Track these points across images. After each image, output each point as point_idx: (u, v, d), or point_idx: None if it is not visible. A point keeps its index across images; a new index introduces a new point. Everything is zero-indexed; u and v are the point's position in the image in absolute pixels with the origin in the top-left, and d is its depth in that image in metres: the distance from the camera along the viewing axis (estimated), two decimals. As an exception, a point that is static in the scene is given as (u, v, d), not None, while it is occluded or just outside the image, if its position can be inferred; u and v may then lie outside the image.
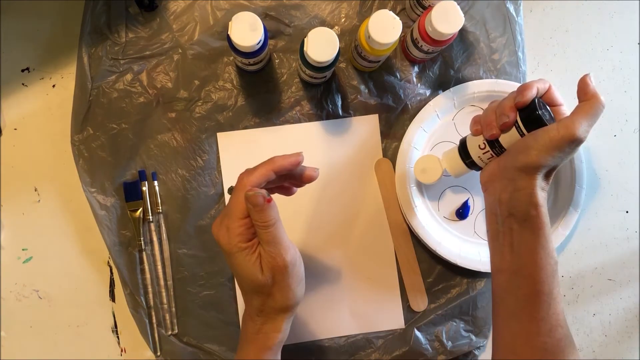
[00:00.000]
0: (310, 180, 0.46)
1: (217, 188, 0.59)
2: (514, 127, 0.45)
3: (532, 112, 0.44)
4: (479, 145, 0.49)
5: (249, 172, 0.43)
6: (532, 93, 0.45)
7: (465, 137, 0.52)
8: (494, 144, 0.47)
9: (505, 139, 0.46)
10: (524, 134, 0.45)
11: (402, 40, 0.60)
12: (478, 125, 0.49)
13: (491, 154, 0.48)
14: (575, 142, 0.42)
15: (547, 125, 0.43)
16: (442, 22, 0.51)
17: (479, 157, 0.49)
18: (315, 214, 0.60)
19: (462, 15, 0.51)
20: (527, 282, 0.44)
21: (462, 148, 0.51)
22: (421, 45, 0.55)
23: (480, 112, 0.61)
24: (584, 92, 0.44)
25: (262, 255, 0.42)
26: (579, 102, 0.44)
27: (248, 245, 0.42)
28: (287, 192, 0.49)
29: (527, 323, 0.43)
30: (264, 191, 0.41)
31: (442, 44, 0.54)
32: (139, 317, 0.58)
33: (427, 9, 0.56)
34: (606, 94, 0.64)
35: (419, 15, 0.58)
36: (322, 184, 0.60)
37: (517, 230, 0.44)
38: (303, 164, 0.45)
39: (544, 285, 0.43)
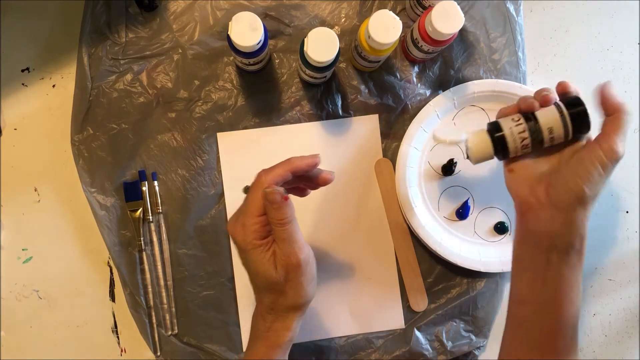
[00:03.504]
0: (325, 183, 0.47)
1: (217, 188, 0.59)
2: (553, 105, 0.43)
3: (577, 100, 0.43)
4: (512, 118, 0.44)
5: (266, 171, 0.44)
6: (573, 88, 0.44)
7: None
8: (530, 117, 0.43)
9: (542, 115, 0.43)
10: (564, 116, 0.43)
11: (402, 40, 0.60)
12: (512, 108, 0.46)
13: (524, 129, 0.43)
14: (618, 161, 0.41)
15: (589, 120, 0.42)
16: (442, 22, 0.51)
17: (510, 129, 0.44)
18: (315, 214, 0.60)
19: (462, 15, 0.51)
20: (555, 317, 0.42)
21: (492, 123, 0.46)
22: (421, 45, 0.55)
23: (481, 112, 0.61)
24: (610, 105, 0.43)
25: (277, 253, 0.43)
26: (606, 114, 0.43)
27: (263, 242, 0.43)
28: (301, 193, 0.49)
29: (550, 355, 0.42)
30: (281, 189, 0.42)
31: (442, 44, 0.54)
32: (139, 317, 0.58)
33: (427, 9, 0.56)
34: (606, 94, 0.64)
35: (419, 15, 0.58)
36: (322, 184, 0.60)
37: (556, 262, 0.42)
38: (319, 167, 0.45)
39: (572, 320, 0.42)
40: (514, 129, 0.44)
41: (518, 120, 0.44)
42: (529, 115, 0.44)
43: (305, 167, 0.44)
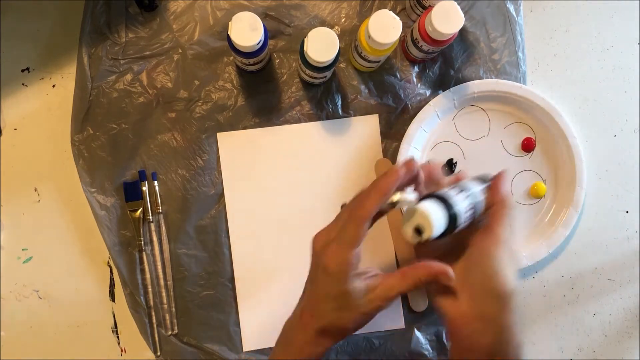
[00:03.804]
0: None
1: (217, 188, 0.59)
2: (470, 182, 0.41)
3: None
4: (452, 189, 0.41)
5: (360, 202, 0.40)
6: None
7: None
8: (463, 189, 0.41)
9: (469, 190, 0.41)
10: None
11: (402, 40, 0.60)
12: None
13: (471, 205, 0.40)
14: (509, 246, 0.40)
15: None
16: (442, 22, 0.51)
17: (459, 205, 0.39)
18: (315, 214, 0.60)
19: (462, 15, 0.51)
20: None
21: (439, 197, 0.39)
22: (421, 45, 0.55)
23: (481, 112, 0.61)
24: (495, 197, 0.42)
25: (381, 282, 0.41)
26: (491, 203, 0.42)
27: (352, 272, 0.41)
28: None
29: None
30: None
31: (442, 44, 0.54)
32: (139, 317, 0.58)
33: (427, 9, 0.56)
34: (606, 94, 0.64)
35: (419, 15, 0.58)
36: (322, 184, 0.60)
37: None
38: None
39: None
40: (461, 205, 0.39)
41: (460, 192, 0.40)
42: (462, 187, 0.41)
43: (397, 183, 0.40)
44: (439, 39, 0.52)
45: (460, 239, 0.42)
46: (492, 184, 0.43)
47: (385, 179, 0.40)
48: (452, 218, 0.38)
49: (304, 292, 0.45)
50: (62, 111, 0.59)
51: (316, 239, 0.44)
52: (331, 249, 0.41)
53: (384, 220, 0.60)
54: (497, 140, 0.61)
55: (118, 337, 0.59)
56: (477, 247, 0.41)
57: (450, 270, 0.40)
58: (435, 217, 0.37)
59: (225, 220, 0.59)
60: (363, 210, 0.40)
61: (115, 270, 0.59)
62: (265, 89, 0.60)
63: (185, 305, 0.58)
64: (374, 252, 0.60)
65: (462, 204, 0.39)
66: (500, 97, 0.60)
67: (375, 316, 0.42)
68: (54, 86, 0.59)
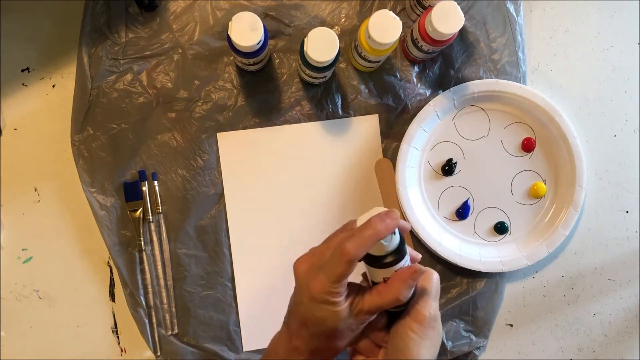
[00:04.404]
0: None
1: (217, 188, 0.59)
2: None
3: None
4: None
5: (354, 240, 0.38)
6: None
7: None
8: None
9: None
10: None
11: (402, 40, 0.60)
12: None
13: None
14: (436, 320, 0.41)
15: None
16: (442, 22, 0.51)
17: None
18: (315, 214, 0.60)
19: (462, 15, 0.51)
20: None
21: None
22: (421, 45, 0.55)
23: (481, 112, 0.61)
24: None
25: (363, 299, 0.41)
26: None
27: (340, 299, 0.40)
28: None
29: None
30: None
31: (442, 44, 0.54)
32: (139, 317, 0.58)
33: (427, 9, 0.56)
34: (606, 94, 0.64)
35: (419, 15, 0.58)
36: (322, 184, 0.60)
37: None
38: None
39: None
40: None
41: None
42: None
43: (388, 231, 0.39)
44: (439, 39, 0.52)
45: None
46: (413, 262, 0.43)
47: (385, 224, 0.39)
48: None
49: (290, 312, 0.45)
50: (62, 111, 0.59)
51: (300, 262, 0.43)
52: (319, 279, 0.40)
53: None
54: (497, 140, 0.61)
55: (118, 337, 0.59)
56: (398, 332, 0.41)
57: (418, 267, 0.40)
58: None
59: (225, 220, 0.59)
60: (355, 251, 0.38)
61: (115, 270, 0.59)
62: (265, 89, 0.60)
63: (185, 305, 0.58)
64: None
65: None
66: (500, 97, 0.60)
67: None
68: (54, 86, 0.59)
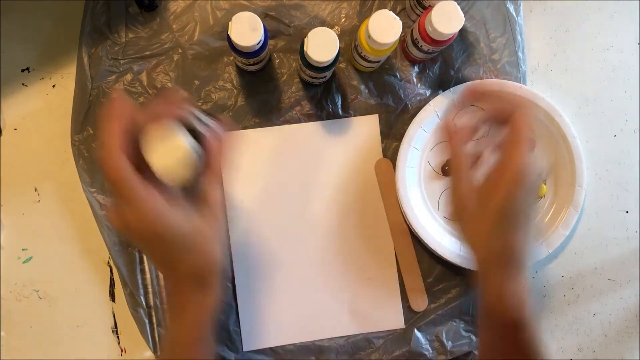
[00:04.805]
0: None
1: (217, 188, 0.59)
2: None
3: None
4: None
5: (102, 145, 0.36)
6: None
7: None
8: None
9: None
10: None
11: (402, 40, 0.60)
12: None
13: None
14: (532, 171, 0.43)
15: None
16: (442, 22, 0.51)
17: None
18: (315, 214, 0.60)
19: (462, 15, 0.51)
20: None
21: None
22: (421, 46, 0.55)
23: (481, 112, 0.61)
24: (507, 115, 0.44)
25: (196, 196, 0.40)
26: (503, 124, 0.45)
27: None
28: None
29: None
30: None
31: (442, 44, 0.54)
32: (139, 317, 0.58)
33: (427, 9, 0.56)
34: (606, 94, 0.64)
35: (419, 15, 0.58)
36: (322, 184, 0.60)
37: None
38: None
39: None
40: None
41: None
42: None
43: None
44: (439, 39, 0.52)
45: None
46: (494, 105, 0.46)
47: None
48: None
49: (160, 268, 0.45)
50: (62, 111, 0.59)
51: (111, 218, 0.38)
52: (131, 217, 0.37)
53: (384, 220, 0.61)
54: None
55: (118, 337, 0.59)
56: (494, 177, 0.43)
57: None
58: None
59: (225, 220, 0.59)
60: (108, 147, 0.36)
61: (115, 270, 0.59)
62: (265, 89, 0.60)
63: (185, 305, 0.58)
64: (374, 252, 0.60)
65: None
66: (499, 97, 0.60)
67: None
68: (54, 86, 0.59)
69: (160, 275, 0.58)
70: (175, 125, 0.38)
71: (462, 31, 0.61)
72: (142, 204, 0.36)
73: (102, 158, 0.35)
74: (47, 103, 0.59)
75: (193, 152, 0.39)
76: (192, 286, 0.41)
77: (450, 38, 0.53)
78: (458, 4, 0.51)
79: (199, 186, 0.42)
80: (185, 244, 0.39)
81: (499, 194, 0.42)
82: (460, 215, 0.46)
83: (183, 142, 0.38)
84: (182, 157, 0.38)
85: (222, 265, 0.42)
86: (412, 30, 0.56)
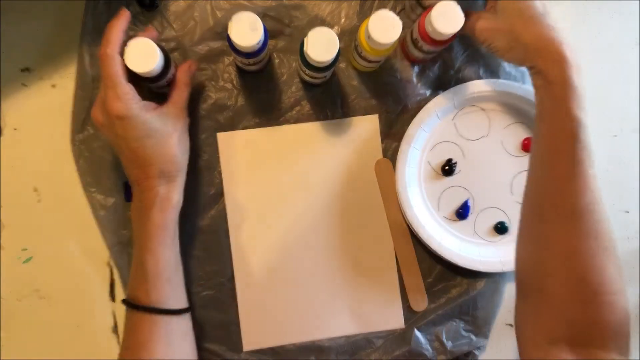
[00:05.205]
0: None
1: (217, 188, 0.59)
2: None
3: None
4: None
5: (105, 45, 0.47)
6: None
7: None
8: None
9: None
10: None
11: (402, 40, 0.60)
12: None
13: None
14: None
15: None
16: (442, 22, 0.51)
17: None
18: (315, 214, 0.60)
19: (462, 15, 0.51)
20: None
21: None
22: (421, 46, 0.55)
23: (480, 112, 0.61)
24: None
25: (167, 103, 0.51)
26: None
27: (145, 102, 0.49)
28: None
29: (553, 182, 0.45)
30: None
31: (442, 44, 0.54)
32: (139, 317, 0.58)
33: (427, 9, 0.56)
34: (606, 94, 0.64)
35: (419, 16, 0.58)
36: (322, 184, 0.60)
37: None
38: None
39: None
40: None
41: None
42: None
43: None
44: (439, 39, 0.52)
45: None
46: None
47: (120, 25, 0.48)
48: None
49: (125, 168, 0.51)
50: (62, 111, 0.59)
51: (94, 115, 0.49)
52: (108, 101, 0.46)
53: (384, 220, 0.61)
54: (497, 140, 0.61)
55: (118, 337, 0.59)
56: None
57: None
58: None
59: (225, 220, 0.59)
60: (108, 49, 0.46)
61: (115, 270, 0.59)
62: (265, 89, 0.60)
63: (185, 305, 0.58)
64: (374, 252, 0.60)
65: None
66: (500, 97, 0.60)
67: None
68: (54, 86, 0.59)
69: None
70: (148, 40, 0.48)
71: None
72: (124, 96, 0.46)
73: (104, 54, 0.46)
74: (47, 103, 0.59)
75: (160, 51, 0.49)
76: (159, 183, 0.49)
77: (450, 38, 0.53)
78: (458, 4, 0.51)
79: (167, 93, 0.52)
80: (154, 139, 0.48)
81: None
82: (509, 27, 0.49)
83: (151, 43, 0.48)
84: (151, 52, 0.48)
85: (183, 162, 0.52)
86: (411, 31, 0.56)
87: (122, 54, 0.47)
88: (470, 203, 0.61)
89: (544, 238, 0.45)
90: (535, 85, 0.49)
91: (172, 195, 0.50)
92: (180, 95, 0.52)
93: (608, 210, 0.63)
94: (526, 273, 0.47)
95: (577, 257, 0.43)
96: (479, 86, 0.59)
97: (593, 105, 0.64)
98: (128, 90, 0.47)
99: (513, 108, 0.61)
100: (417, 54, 0.57)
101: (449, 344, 0.60)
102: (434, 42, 0.53)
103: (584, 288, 0.42)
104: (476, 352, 0.61)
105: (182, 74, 0.53)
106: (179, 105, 0.51)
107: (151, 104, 0.50)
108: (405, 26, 0.59)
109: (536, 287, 0.45)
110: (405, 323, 0.60)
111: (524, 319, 0.47)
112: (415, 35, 0.55)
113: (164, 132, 0.49)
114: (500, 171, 0.61)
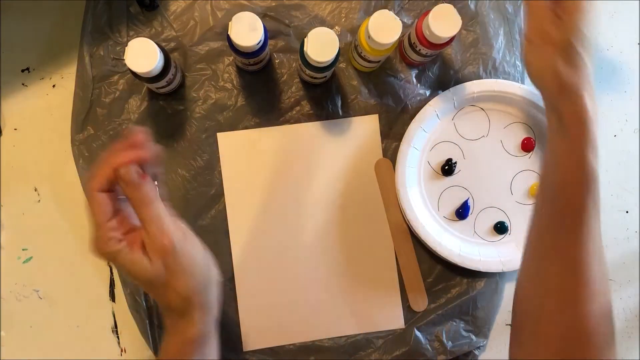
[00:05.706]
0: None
1: (217, 188, 0.59)
2: None
3: None
4: None
5: (90, 178, 0.40)
6: None
7: None
8: None
9: None
10: None
11: (399, 44, 0.60)
12: None
13: None
14: None
15: None
16: (439, 25, 0.51)
17: None
18: (315, 214, 0.60)
19: (460, 17, 0.51)
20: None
21: None
22: (419, 49, 0.55)
23: (480, 112, 0.61)
24: None
25: (147, 242, 0.39)
26: None
27: (124, 242, 0.39)
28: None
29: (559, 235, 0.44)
30: (136, 167, 0.39)
31: (440, 47, 0.54)
32: (139, 317, 0.58)
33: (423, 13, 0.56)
34: (606, 94, 0.64)
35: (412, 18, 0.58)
36: (322, 184, 0.60)
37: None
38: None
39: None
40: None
41: None
42: None
43: (129, 161, 0.39)
44: (437, 42, 0.52)
45: None
46: None
47: (121, 155, 0.39)
48: None
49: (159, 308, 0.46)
50: (62, 111, 0.59)
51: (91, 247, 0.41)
52: (93, 241, 0.40)
53: (384, 220, 0.61)
54: (496, 140, 0.61)
55: (118, 337, 0.59)
56: None
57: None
58: None
59: (225, 220, 0.59)
60: (92, 184, 0.39)
61: (115, 270, 0.59)
62: (265, 89, 0.60)
63: (185, 305, 0.58)
64: (374, 252, 0.60)
65: None
66: (500, 97, 0.60)
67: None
68: (54, 86, 0.59)
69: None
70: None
71: (462, 31, 0.61)
72: (107, 241, 0.39)
73: (88, 189, 0.40)
74: (47, 103, 0.59)
75: (160, 51, 0.48)
76: (172, 317, 0.43)
77: (448, 41, 0.53)
78: (457, 4, 0.51)
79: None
80: (155, 283, 0.40)
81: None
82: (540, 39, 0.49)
83: (151, 43, 0.47)
84: (151, 52, 0.47)
85: (200, 297, 0.42)
86: (409, 34, 0.56)
87: (110, 189, 0.40)
88: (470, 203, 0.61)
89: (544, 280, 0.45)
90: (548, 118, 0.49)
91: (190, 330, 0.42)
92: (155, 226, 0.39)
93: (608, 210, 0.63)
94: (524, 314, 0.47)
95: (574, 303, 0.43)
96: (479, 86, 0.59)
97: (593, 105, 0.64)
98: (111, 234, 0.39)
99: (513, 108, 0.61)
100: (415, 57, 0.57)
101: (449, 344, 0.60)
102: (432, 45, 0.53)
103: (577, 334, 0.42)
104: (476, 352, 0.61)
105: (145, 190, 0.39)
106: (157, 242, 0.39)
107: (137, 240, 0.40)
108: (404, 26, 0.60)
109: (532, 329, 0.45)
110: (405, 323, 0.60)
111: None
112: (412, 39, 0.55)
113: (152, 272, 0.40)
114: (500, 171, 0.61)
